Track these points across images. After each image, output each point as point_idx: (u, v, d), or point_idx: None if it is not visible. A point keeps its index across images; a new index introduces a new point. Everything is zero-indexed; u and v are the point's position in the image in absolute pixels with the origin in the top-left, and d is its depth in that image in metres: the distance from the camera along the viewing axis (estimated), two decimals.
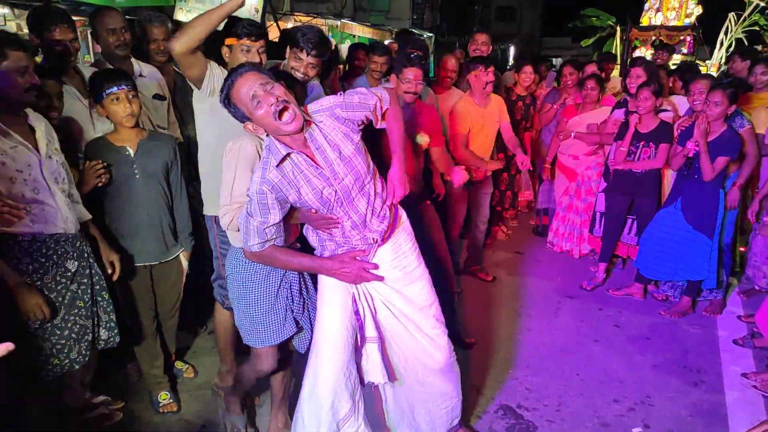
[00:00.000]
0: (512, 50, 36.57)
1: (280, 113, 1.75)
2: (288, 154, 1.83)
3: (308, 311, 2.28)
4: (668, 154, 3.82)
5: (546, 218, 5.28)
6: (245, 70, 1.80)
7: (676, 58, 11.80)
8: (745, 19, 12.50)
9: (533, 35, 36.80)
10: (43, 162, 2.02)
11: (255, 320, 2.15)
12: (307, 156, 1.86)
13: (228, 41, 2.52)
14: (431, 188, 3.53)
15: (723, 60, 11.72)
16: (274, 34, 12.60)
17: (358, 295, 2.05)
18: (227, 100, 1.83)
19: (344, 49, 17.64)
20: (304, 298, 2.27)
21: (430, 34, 22.25)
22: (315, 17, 14.05)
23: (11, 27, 9.24)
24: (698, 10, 13.79)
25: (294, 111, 1.77)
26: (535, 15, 36.88)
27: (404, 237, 2.12)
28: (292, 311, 2.20)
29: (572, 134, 4.46)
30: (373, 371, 2.08)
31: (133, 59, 2.93)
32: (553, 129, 4.85)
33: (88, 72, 2.67)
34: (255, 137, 2.05)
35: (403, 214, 2.15)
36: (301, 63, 2.62)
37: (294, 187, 1.86)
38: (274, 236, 1.91)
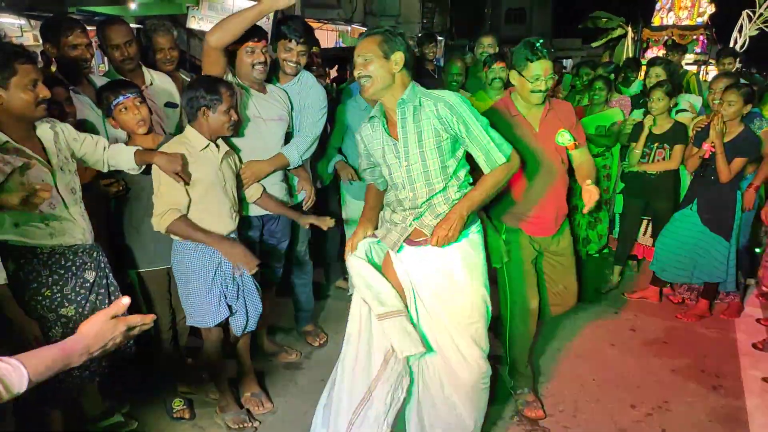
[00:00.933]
0: None
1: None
2: (373, 116, 2.14)
3: (242, 297, 2.52)
4: (683, 155, 3.77)
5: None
6: None
7: (689, 58, 11.68)
8: (760, 15, 12.30)
9: (544, 37, 36.68)
10: (57, 175, 2.02)
11: (195, 304, 2.44)
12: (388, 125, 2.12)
13: (231, 46, 2.56)
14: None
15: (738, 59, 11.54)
16: None
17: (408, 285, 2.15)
18: None
19: None
20: (238, 285, 2.49)
21: (441, 38, 22.30)
22: (325, 23, 14.12)
23: (28, 38, 9.42)
24: (711, 8, 13.64)
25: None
26: (545, 17, 36.68)
27: (451, 257, 2.12)
28: (226, 297, 2.46)
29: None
30: (406, 342, 2.05)
31: (144, 68, 2.95)
32: None
33: (101, 82, 2.69)
34: (181, 144, 2.32)
35: (462, 243, 2.13)
36: (291, 53, 2.78)
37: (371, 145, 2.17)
38: None
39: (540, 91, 2.42)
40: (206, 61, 2.53)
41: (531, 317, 2.69)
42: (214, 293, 2.41)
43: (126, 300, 1.31)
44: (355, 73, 2.03)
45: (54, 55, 2.64)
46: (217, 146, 2.44)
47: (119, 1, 9.44)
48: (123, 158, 2.27)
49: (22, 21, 8.36)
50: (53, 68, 2.88)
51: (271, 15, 12.25)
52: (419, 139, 2.02)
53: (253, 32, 2.54)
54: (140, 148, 2.32)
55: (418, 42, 5.30)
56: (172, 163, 2.22)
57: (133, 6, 9.52)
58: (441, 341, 2.15)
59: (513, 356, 2.80)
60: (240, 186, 2.63)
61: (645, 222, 4.20)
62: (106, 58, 3.04)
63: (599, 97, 4.26)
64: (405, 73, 2.04)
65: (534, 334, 2.82)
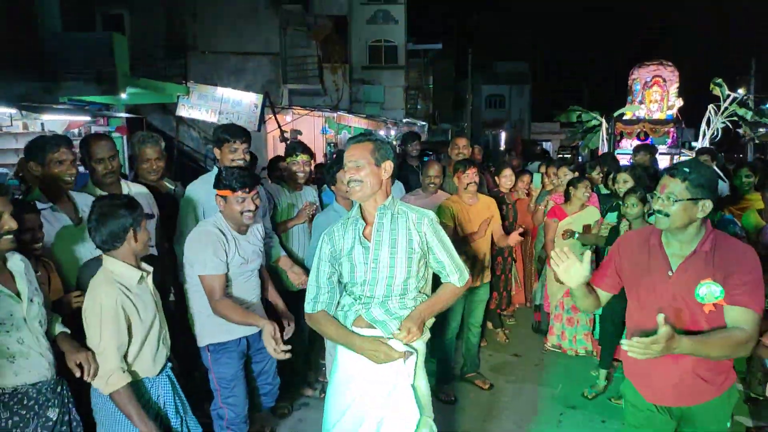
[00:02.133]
0: (503, 135, 37.89)
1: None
2: (350, 217, 2.21)
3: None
4: None
5: (542, 315, 5.19)
6: None
7: (663, 149, 12.18)
8: (725, 110, 13.05)
9: (523, 121, 38.30)
10: (26, 307, 1.97)
11: None
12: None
13: (221, 192, 2.61)
14: None
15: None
16: (272, 126, 13.09)
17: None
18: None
19: (340, 139, 18.08)
20: (181, 417, 2.34)
21: (423, 123, 23.13)
22: (312, 110, 14.63)
23: (18, 125, 9.56)
24: (679, 102, 14.45)
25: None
26: (523, 103, 38.50)
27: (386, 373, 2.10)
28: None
29: (576, 235, 4.43)
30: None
31: (122, 181, 2.99)
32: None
33: (79, 198, 2.70)
34: (114, 284, 2.10)
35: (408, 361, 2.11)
36: (237, 153, 3.03)
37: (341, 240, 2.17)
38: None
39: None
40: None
41: None
42: None
43: None
44: (346, 177, 2.10)
45: (38, 173, 2.65)
46: (143, 270, 2.23)
47: (111, 91, 9.70)
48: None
49: (13, 111, 8.52)
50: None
51: (260, 104, 12.57)
52: (392, 246, 2.09)
53: (246, 182, 2.60)
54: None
55: (403, 139, 5.47)
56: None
57: (124, 96, 9.79)
58: None
59: None
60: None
61: None
62: None
63: (582, 199, 4.42)
64: (389, 181, 2.14)
65: None
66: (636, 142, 12.07)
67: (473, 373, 4.24)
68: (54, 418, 2.02)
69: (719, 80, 12.96)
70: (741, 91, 13.94)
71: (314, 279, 2.19)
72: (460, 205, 3.91)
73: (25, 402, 1.95)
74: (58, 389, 2.08)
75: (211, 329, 2.70)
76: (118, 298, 2.05)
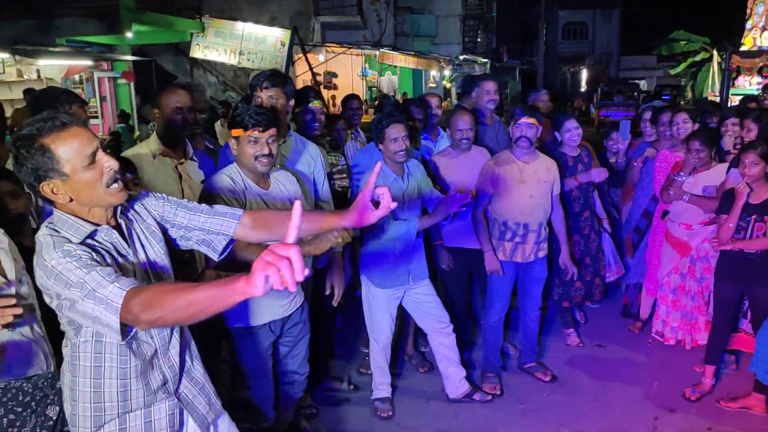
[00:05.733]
0: (585, 73, 36.72)
1: None
2: None
3: None
4: None
5: (640, 295, 5.05)
6: None
7: None
8: None
9: (609, 54, 36.94)
10: (15, 287, 2.01)
11: None
12: None
13: (234, 132, 2.61)
14: None
15: None
16: (302, 69, 13.06)
17: None
18: None
19: (383, 82, 17.89)
20: None
21: (485, 60, 22.65)
22: (349, 47, 14.48)
23: (11, 72, 9.89)
24: None
25: None
26: (611, 31, 37.00)
27: None
28: None
29: (685, 197, 4.25)
30: None
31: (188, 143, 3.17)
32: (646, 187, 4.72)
33: None
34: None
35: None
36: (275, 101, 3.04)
37: None
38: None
39: None
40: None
41: None
42: None
43: None
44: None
45: None
46: None
47: (114, 29, 9.82)
48: None
49: (6, 55, 8.80)
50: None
51: (287, 42, 12.49)
52: None
53: (260, 120, 2.57)
54: None
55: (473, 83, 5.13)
56: None
57: (129, 35, 9.91)
58: None
59: None
60: None
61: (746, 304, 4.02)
62: None
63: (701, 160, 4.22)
64: None
65: None
66: (757, 80, 11.40)
67: (532, 363, 4.20)
68: (54, 417, 2.09)
69: None
70: None
71: None
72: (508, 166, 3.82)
73: (20, 398, 2.02)
74: (58, 384, 2.13)
75: (236, 309, 2.74)
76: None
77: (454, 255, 4.06)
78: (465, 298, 4.36)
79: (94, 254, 1.65)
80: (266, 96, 3.05)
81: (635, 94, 21.74)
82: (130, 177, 2.52)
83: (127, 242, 1.79)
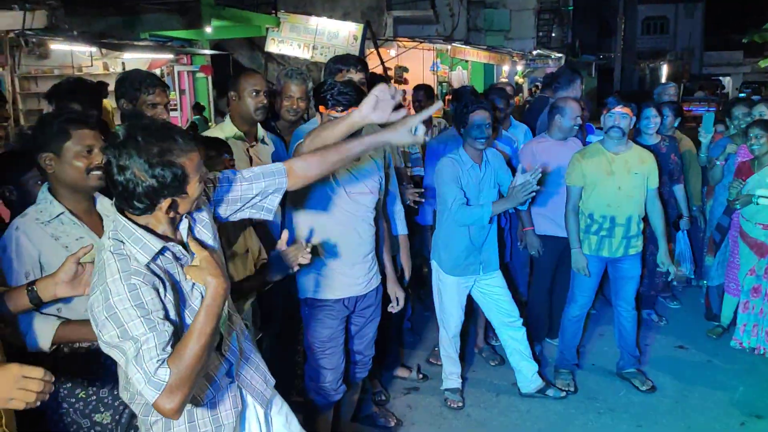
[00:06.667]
0: (665, 69, 35.29)
1: None
2: None
3: None
4: None
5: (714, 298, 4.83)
6: None
7: None
8: None
9: (692, 50, 35.37)
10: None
11: None
12: None
13: (321, 109, 2.65)
14: None
15: None
16: (374, 63, 13.12)
17: None
18: None
19: (454, 77, 17.78)
20: None
21: (560, 55, 22.08)
22: (421, 42, 14.43)
23: (98, 66, 10.38)
24: None
25: None
26: (694, 26, 35.42)
27: None
28: None
29: (757, 199, 4.04)
30: None
31: (259, 127, 3.20)
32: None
33: None
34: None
35: None
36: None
37: None
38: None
39: None
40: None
41: None
42: None
43: None
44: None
45: (126, 110, 2.84)
46: None
47: (195, 24, 10.16)
48: None
49: (93, 49, 9.25)
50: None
51: (359, 36, 12.56)
52: None
53: (340, 100, 2.57)
54: None
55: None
56: None
57: (209, 29, 10.23)
58: None
59: None
60: None
61: None
62: None
63: (760, 148, 3.98)
64: None
65: None
66: None
67: (632, 369, 4.01)
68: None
69: None
70: None
71: None
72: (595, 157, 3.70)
73: (100, 359, 1.97)
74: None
75: (312, 281, 2.79)
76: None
77: (543, 242, 4.01)
78: (548, 287, 4.25)
79: (155, 291, 1.58)
80: (358, 78, 3.17)
81: (717, 91, 21.01)
82: (227, 158, 2.57)
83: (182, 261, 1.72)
